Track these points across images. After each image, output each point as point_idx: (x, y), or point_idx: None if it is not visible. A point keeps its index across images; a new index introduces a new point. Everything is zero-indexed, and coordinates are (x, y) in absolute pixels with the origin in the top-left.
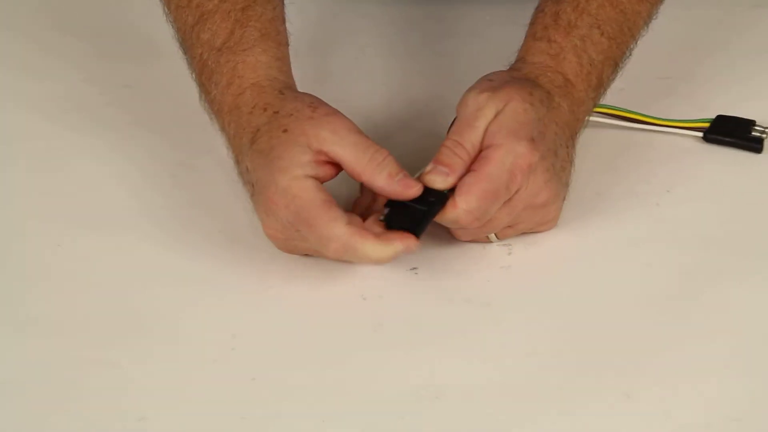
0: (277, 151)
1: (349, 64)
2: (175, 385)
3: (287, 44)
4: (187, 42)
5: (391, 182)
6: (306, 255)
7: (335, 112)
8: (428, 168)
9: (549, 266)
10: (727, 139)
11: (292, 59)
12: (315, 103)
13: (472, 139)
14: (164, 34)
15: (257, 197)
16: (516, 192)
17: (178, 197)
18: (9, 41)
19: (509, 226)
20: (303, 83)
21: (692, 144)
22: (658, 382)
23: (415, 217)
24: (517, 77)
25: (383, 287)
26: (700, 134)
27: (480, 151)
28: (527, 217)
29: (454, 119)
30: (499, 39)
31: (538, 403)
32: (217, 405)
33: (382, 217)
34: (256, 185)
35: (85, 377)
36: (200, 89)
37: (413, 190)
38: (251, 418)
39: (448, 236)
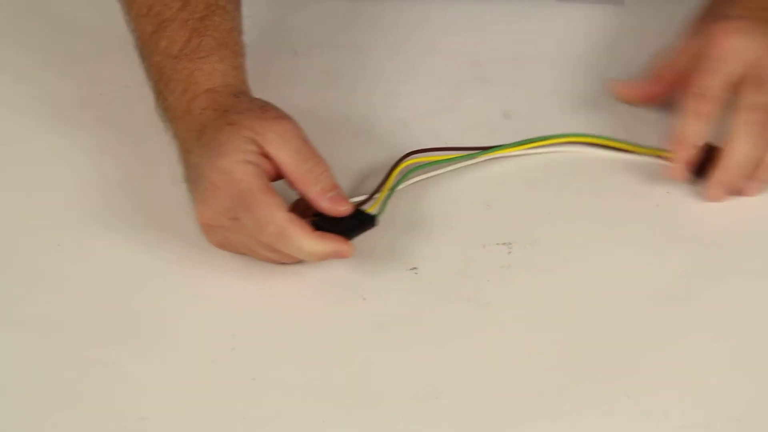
0: (220, 140)
1: (348, 64)
2: (175, 385)
3: (244, 55)
4: (145, 50)
5: (322, 196)
6: (240, 254)
7: (285, 117)
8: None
9: (549, 266)
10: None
11: (290, 58)
12: (267, 107)
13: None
14: None
15: (196, 184)
16: None
17: (178, 197)
18: (9, 41)
19: None
20: (302, 83)
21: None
22: (658, 382)
23: (344, 227)
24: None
25: (383, 287)
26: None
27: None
28: None
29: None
30: (499, 38)
31: (538, 403)
32: (217, 405)
33: (311, 221)
34: (198, 176)
35: (85, 377)
36: (157, 96)
37: (341, 209)
38: (251, 418)
39: (448, 236)
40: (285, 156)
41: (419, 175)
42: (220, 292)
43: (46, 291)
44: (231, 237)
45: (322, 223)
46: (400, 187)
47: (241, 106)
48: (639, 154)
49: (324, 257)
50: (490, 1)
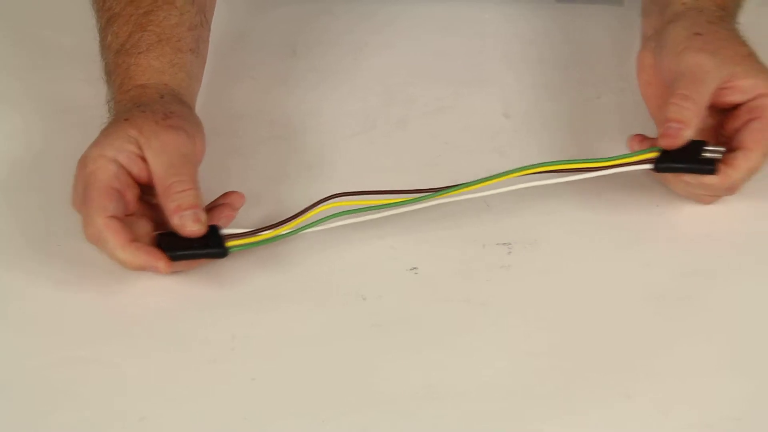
0: (108, 130)
1: (348, 64)
2: (175, 385)
3: (191, 51)
4: (100, 44)
5: (176, 212)
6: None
7: (180, 129)
8: (661, 130)
9: (549, 266)
10: (678, 165)
11: (290, 58)
12: (172, 115)
13: (700, 92)
14: None
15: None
16: None
17: None
18: (8, 41)
19: None
20: (301, 82)
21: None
22: (658, 382)
23: (184, 247)
24: (715, 22)
25: (383, 287)
26: (650, 166)
27: (716, 109)
28: None
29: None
30: (500, 39)
31: (537, 403)
32: (217, 405)
33: (156, 233)
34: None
35: (85, 377)
36: (106, 91)
37: (187, 230)
38: (251, 418)
39: (448, 236)
40: (157, 165)
41: (343, 219)
42: (220, 292)
43: (46, 290)
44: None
45: (166, 237)
46: (316, 228)
47: (150, 106)
48: (601, 168)
49: (136, 268)
50: (490, 1)
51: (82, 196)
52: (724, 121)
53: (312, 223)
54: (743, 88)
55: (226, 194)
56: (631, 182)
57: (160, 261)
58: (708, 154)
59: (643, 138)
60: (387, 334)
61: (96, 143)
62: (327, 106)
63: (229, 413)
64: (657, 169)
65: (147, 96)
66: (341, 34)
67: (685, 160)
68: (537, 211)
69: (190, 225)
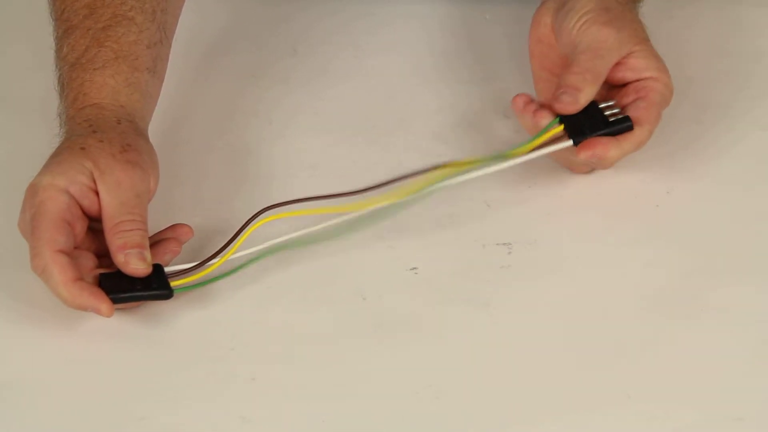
0: (61, 157)
1: (348, 63)
2: (175, 385)
3: (148, 69)
4: (55, 54)
5: (120, 250)
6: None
7: (137, 165)
8: (557, 91)
9: (549, 266)
10: (597, 133)
11: (290, 58)
12: (129, 148)
13: (599, 68)
14: None
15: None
16: None
17: (178, 196)
18: (9, 41)
19: None
20: (302, 82)
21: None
22: (658, 382)
23: (127, 288)
24: (623, 3)
25: (383, 287)
26: (570, 143)
27: (609, 84)
28: None
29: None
30: (500, 39)
31: (538, 403)
32: (217, 405)
33: (100, 272)
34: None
35: (85, 377)
36: (58, 102)
37: (130, 268)
38: (251, 418)
39: (448, 236)
40: (109, 201)
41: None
42: (220, 292)
43: (46, 291)
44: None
45: (108, 277)
46: (259, 261)
47: (107, 134)
48: (516, 157)
49: (77, 307)
50: (490, 1)
51: (30, 225)
52: (609, 95)
53: (247, 262)
54: (636, 67)
55: (172, 227)
56: (631, 182)
57: (102, 303)
58: (608, 112)
59: (529, 100)
60: (387, 334)
61: (47, 170)
62: (327, 105)
63: (229, 413)
64: (576, 143)
65: (103, 119)
66: (342, 34)
67: (594, 126)
68: (537, 211)
69: (134, 262)
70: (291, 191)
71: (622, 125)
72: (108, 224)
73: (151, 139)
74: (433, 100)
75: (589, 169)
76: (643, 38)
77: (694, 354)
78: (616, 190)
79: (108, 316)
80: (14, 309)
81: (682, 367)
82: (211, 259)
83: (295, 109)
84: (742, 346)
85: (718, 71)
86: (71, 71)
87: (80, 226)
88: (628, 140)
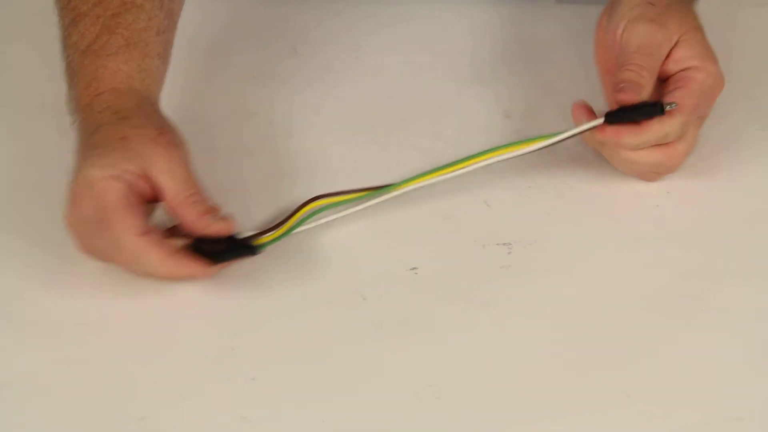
0: (104, 149)
1: (349, 64)
2: (175, 385)
3: (159, 56)
4: (62, 41)
5: (198, 219)
6: (105, 261)
7: (178, 145)
8: (617, 86)
9: (549, 266)
10: (629, 114)
11: (291, 57)
12: (164, 129)
13: (651, 65)
14: None
15: (69, 185)
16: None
17: None
18: (9, 41)
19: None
20: (302, 81)
21: None
22: (658, 382)
23: (220, 250)
24: None
25: (383, 287)
26: (600, 121)
27: (659, 79)
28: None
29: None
30: (499, 39)
31: (538, 403)
32: (217, 405)
33: (189, 243)
34: (73, 174)
35: (85, 377)
36: (67, 88)
37: (212, 229)
38: (251, 418)
39: (448, 236)
40: (167, 183)
41: (325, 216)
42: (220, 292)
43: (46, 291)
44: (98, 244)
45: (199, 244)
46: (300, 229)
47: (138, 120)
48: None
49: (178, 279)
50: (490, 2)
51: (97, 221)
52: (656, 92)
53: (300, 223)
54: (679, 57)
55: None
56: (631, 182)
57: (204, 267)
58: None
59: (588, 109)
60: (387, 334)
61: (92, 163)
62: (328, 105)
63: (229, 413)
64: (608, 121)
65: (124, 105)
66: (342, 34)
67: (631, 111)
68: (537, 211)
69: (217, 223)
70: (293, 190)
71: (650, 108)
72: (174, 202)
73: None
74: (434, 100)
75: (656, 175)
76: (691, 26)
77: (694, 354)
78: (616, 190)
79: (211, 276)
80: (14, 309)
81: (682, 367)
82: (267, 232)
83: (295, 110)
84: (742, 346)
85: None
86: (83, 58)
87: (142, 209)
88: (650, 128)
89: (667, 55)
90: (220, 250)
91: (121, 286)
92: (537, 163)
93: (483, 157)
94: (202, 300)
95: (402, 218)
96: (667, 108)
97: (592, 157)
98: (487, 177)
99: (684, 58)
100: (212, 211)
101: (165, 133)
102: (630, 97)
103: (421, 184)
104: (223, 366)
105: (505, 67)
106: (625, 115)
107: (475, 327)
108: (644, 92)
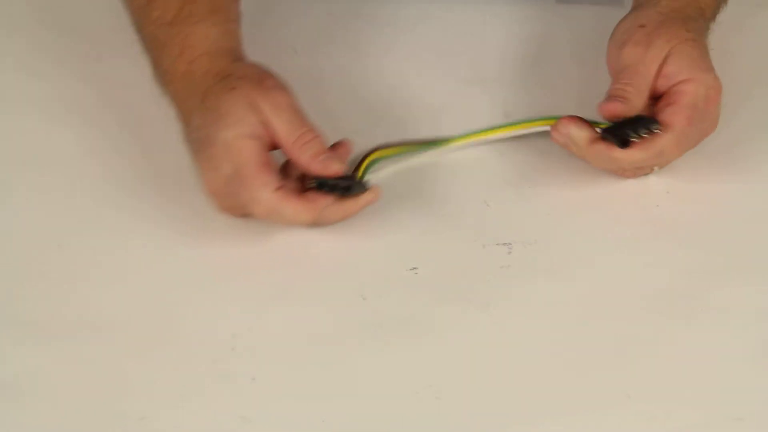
0: (225, 108)
1: (348, 64)
2: (175, 385)
3: (237, 21)
4: (139, 21)
5: (314, 160)
6: (244, 216)
7: (281, 87)
8: (602, 102)
9: (549, 266)
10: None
11: (291, 58)
12: (264, 75)
13: (639, 83)
14: None
15: (201, 153)
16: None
17: (179, 197)
18: (9, 41)
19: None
20: (303, 83)
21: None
22: (659, 382)
23: (342, 187)
24: (665, 13)
25: (383, 287)
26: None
27: (654, 98)
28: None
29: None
30: (500, 39)
31: (538, 403)
32: (217, 405)
33: (312, 184)
34: (203, 141)
35: (85, 377)
36: (152, 64)
37: (331, 170)
38: (251, 418)
39: (448, 236)
40: (278, 124)
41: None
42: (221, 292)
43: (46, 291)
44: (234, 203)
45: (323, 179)
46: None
47: (240, 72)
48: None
49: (314, 218)
50: (490, 2)
51: (236, 179)
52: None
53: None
54: (668, 73)
55: (333, 146)
56: (631, 182)
57: (329, 198)
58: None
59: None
60: (387, 334)
61: (223, 125)
62: (327, 106)
63: (229, 413)
64: (603, 136)
65: (223, 63)
66: (342, 34)
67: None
68: (537, 211)
69: (333, 164)
70: None
71: (645, 122)
72: (288, 144)
73: (152, 139)
74: (434, 100)
75: (637, 172)
76: (679, 40)
77: (694, 354)
78: (616, 190)
79: (349, 217)
80: (14, 309)
81: (682, 367)
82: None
83: None
84: (742, 346)
85: (718, 71)
86: (170, 28)
87: (273, 162)
88: (644, 148)
89: (658, 73)
90: (338, 189)
91: (121, 286)
92: (537, 163)
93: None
94: (203, 300)
95: (402, 218)
96: (655, 130)
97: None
98: (487, 177)
99: (673, 73)
100: (325, 151)
101: (266, 78)
102: (614, 107)
103: (475, 141)
104: (223, 366)
105: (505, 67)
106: (620, 130)
107: (475, 327)
108: (630, 106)
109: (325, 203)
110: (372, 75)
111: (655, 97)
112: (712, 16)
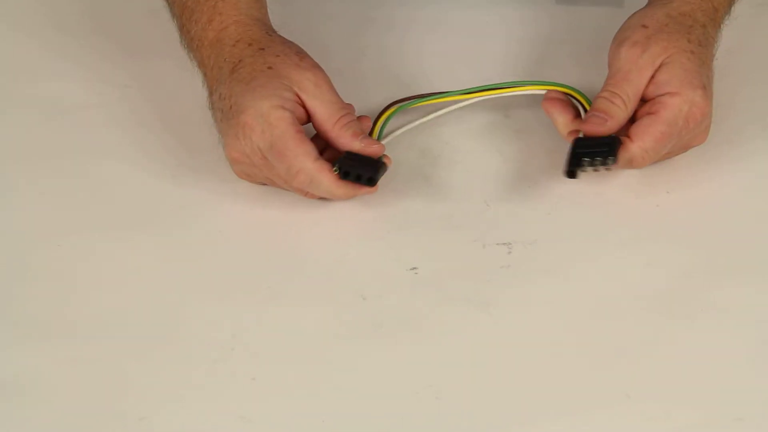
0: (260, 81)
1: (350, 66)
2: (175, 385)
3: None
4: None
5: (355, 140)
6: (261, 184)
7: (319, 67)
8: (585, 116)
9: (549, 266)
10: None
11: None
12: (302, 53)
13: (628, 91)
14: (164, 33)
15: (231, 120)
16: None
17: (179, 197)
18: (9, 41)
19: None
20: None
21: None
22: (658, 382)
23: (370, 165)
24: (673, 16)
25: (383, 287)
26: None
27: (643, 101)
28: (676, 151)
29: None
30: (500, 40)
31: (538, 403)
32: (217, 405)
33: (335, 168)
34: (231, 109)
35: (85, 377)
36: (180, 32)
37: (373, 149)
38: (251, 418)
39: (448, 236)
40: (319, 106)
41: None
42: (221, 293)
43: (46, 291)
44: (257, 172)
45: (346, 166)
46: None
47: (277, 48)
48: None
49: (350, 197)
50: (490, 3)
51: (275, 150)
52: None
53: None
54: (658, 82)
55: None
56: (631, 182)
57: (366, 189)
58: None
59: (563, 104)
60: (387, 334)
61: (255, 97)
62: None
63: (229, 413)
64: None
65: (255, 34)
66: (343, 37)
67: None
68: (537, 211)
69: (373, 144)
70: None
71: (608, 143)
72: (328, 124)
73: (152, 139)
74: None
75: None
76: (678, 49)
77: (694, 354)
78: (616, 190)
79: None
80: (14, 309)
81: (682, 367)
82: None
83: None
84: (742, 346)
85: (718, 71)
86: None
87: (306, 135)
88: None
89: (652, 78)
90: (370, 168)
91: (121, 287)
92: (537, 163)
93: (549, 86)
94: (203, 300)
95: (402, 218)
96: (609, 165)
97: None
98: (487, 177)
99: (662, 82)
100: (363, 131)
101: (305, 57)
102: (592, 129)
103: (486, 97)
104: (223, 366)
105: (505, 68)
106: (589, 142)
107: (475, 327)
108: (614, 122)
109: (358, 188)
110: (373, 77)
111: (643, 100)
112: (726, 11)
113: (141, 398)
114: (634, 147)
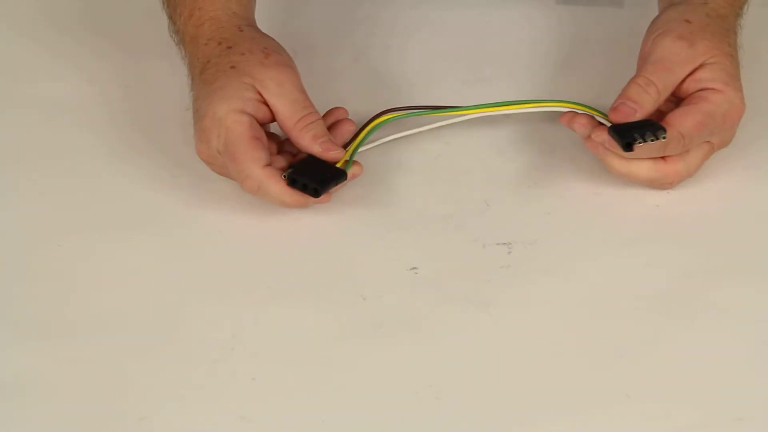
0: (220, 82)
1: (348, 66)
2: (175, 385)
3: None
4: None
5: (314, 142)
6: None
7: (286, 64)
8: (615, 102)
9: (549, 266)
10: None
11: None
12: (269, 49)
13: (665, 81)
14: (163, 33)
15: (196, 124)
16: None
17: (179, 197)
18: (9, 41)
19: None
20: (303, 84)
21: None
22: (658, 382)
23: (319, 177)
24: (712, 17)
25: (383, 287)
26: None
27: (675, 96)
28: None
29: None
30: (500, 40)
31: (538, 403)
32: (217, 405)
33: (285, 175)
34: (198, 112)
35: (85, 377)
36: (169, 22)
37: (332, 154)
38: (251, 418)
39: (448, 236)
40: (281, 105)
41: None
42: (221, 293)
43: (46, 291)
44: (227, 173)
45: (296, 173)
46: (371, 145)
47: (243, 46)
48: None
49: (300, 207)
50: (490, 3)
51: (227, 153)
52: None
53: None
54: (698, 78)
55: (329, 112)
56: (631, 182)
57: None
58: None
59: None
60: (387, 334)
61: (215, 99)
62: (327, 107)
63: (229, 413)
64: (624, 146)
65: (226, 32)
66: (343, 37)
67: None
68: (537, 211)
69: (333, 149)
70: None
71: (656, 131)
72: (289, 124)
73: (152, 139)
74: (434, 101)
75: (650, 186)
76: (721, 52)
77: (694, 354)
78: (616, 190)
79: (327, 202)
80: (14, 309)
81: (682, 367)
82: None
83: None
84: (742, 346)
85: None
86: None
87: (265, 138)
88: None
89: (690, 75)
90: (320, 176)
91: (121, 287)
92: (537, 163)
93: (548, 104)
94: (203, 300)
95: (402, 218)
96: (661, 137)
97: (591, 157)
98: (487, 177)
99: (705, 79)
100: (325, 134)
101: (270, 54)
102: (620, 118)
103: (484, 114)
104: (223, 366)
105: (505, 69)
106: (628, 130)
107: (475, 327)
108: (643, 111)
109: (306, 198)
110: (372, 77)
111: (679, 98)
112: (740, 19)
113: (141, 398)
114: (671, 131)
